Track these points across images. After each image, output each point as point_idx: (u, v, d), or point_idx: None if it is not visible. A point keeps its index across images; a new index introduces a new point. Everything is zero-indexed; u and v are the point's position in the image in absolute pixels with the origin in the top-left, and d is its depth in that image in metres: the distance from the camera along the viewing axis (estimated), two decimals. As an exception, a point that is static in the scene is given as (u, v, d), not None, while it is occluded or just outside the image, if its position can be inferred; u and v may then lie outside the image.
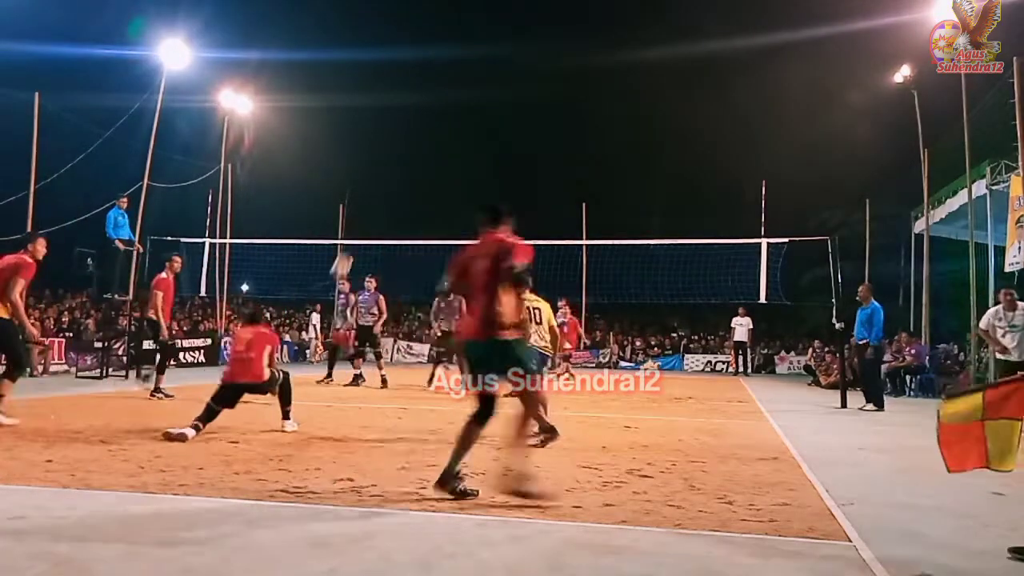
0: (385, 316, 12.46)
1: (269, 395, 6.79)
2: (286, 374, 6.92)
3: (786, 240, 12.25)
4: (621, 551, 3.21)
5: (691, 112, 28.61)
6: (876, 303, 10.46)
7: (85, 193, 16.40)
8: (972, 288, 13.10)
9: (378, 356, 12.52)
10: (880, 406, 10.16)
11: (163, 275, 9.64)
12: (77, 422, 6.94)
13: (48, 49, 18.26)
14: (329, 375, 12.34)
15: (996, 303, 8.90)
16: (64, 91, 16.52)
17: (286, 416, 6.79)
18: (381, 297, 12.18)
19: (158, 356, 9.87)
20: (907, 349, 14.17)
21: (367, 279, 12.28)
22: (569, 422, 8.06)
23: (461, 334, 4.92)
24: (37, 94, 15.26)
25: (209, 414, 6.17)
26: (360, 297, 12.12)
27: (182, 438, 5.79)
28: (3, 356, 6.50)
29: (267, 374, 6.67)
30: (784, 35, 22.96)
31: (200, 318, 21.25)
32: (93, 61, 18.67)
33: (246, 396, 6.59)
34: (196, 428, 5.97)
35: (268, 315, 25.22)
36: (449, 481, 4.07)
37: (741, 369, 19.93)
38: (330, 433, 6.64)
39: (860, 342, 10.60)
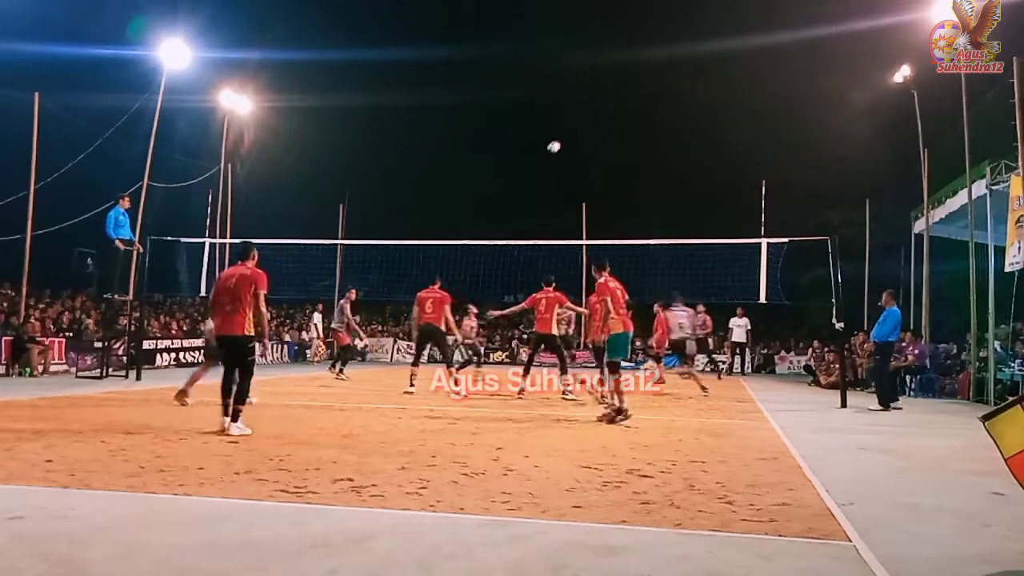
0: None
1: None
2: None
3: (786, 240, 12.24)
4: (621, 551, 3.21)
5: (691, 112, 28.63)
6: (896, 309, 10.69)
7: (85, 193, 16.40)
8: (972, 288, 13.10)
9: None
10: (885, 406, 10.18)
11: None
12: (77, 422, 6.94)
13: (48, 49, 18.25)
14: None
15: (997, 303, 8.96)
16: (64, 91, 16.53)
17: (236, 418, 6.32)
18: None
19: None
20: (910, 349, 14.16)
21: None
22: (572, 423, 8.07)
23: None
24: (37, 94, 15.28)
25: (225, 407, 6.42)
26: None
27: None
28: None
29: (250, 328, 6.40)
30: (784, 35, 22.96)
31: (200, 318, 21.24)
32: (93, 61, 18.65)
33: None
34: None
35: (271, 314, 25.25)
36: None
37: (737, 369, 19.92)
38: (330, 433, 6.64)
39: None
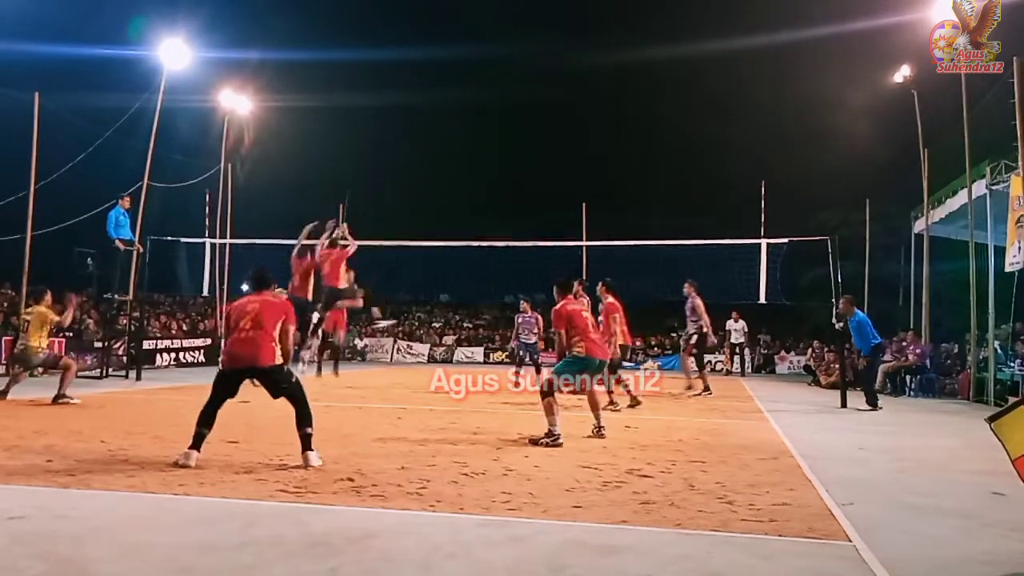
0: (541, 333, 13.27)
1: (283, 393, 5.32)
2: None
3: (786, 240, 12.26)
4: (621, 551, 3.21)
5: (691, 112, 28.68)
6: (860, 313, 10.49)
7: (85, 193, 16.39)
8: (972, 288, 13.10)
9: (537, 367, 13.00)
10: (873, 406, 10.20)
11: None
12: (77, 422, 6.94)
13: (48, 49, 18.27)
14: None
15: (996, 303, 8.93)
16: (64, 91, 16.51)
17: (308, 444, 5.14)
18: (539, 318, 12.90)
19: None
20: (911, 348, 14.16)
21: (522, 301, 13.06)
22: (570, 422, 8.07)
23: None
24: (37, 94, 15.27)
25: (198, 438, 5.08)
26: (522, 319, 12.94)
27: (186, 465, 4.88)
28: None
29: (279, 357, 5.31)
30: (784, 35, 22.99)
31: (200, 318, 21.25)
32: (93, 61, 18.68)
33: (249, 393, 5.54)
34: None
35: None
36: None
37: (736, 369, 19.87)
38: (330, 434, 6.63)
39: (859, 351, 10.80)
